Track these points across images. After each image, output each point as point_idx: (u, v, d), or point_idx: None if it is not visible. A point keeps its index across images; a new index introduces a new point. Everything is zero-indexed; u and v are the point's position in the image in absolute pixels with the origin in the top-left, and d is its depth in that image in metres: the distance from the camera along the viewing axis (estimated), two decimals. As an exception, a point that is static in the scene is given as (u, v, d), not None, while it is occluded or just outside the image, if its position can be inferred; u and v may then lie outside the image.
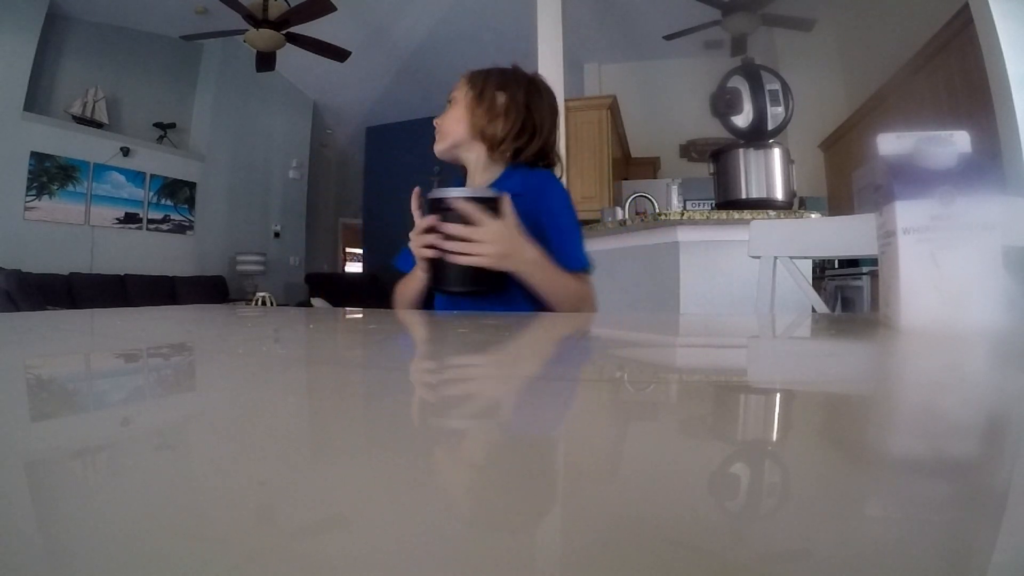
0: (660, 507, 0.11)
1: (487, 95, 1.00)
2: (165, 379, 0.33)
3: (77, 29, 5.58)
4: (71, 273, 5.24)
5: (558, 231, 0.96)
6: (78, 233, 5.57)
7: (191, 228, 6.53)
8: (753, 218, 1.54)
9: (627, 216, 2.96)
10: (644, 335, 0.59)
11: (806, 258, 1.39)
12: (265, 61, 5.04)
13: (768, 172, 2.34)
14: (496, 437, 0.18)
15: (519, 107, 1.00)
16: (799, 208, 2.53)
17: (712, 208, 2.44)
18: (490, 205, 0.82)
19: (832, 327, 0.66)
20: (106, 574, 0.08)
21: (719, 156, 2.44)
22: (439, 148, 1.05)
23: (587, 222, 3.56)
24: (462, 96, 1.02)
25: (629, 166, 5.70)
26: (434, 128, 1.05)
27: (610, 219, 2.88)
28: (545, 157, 1.04)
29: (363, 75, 6.69)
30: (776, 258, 1.05)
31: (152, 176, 6.16)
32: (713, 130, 3.03)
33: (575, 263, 0.94)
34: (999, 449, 0.17)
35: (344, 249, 9.22)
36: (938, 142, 0.45)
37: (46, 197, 5.32)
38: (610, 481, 0.14)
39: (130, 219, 6.01)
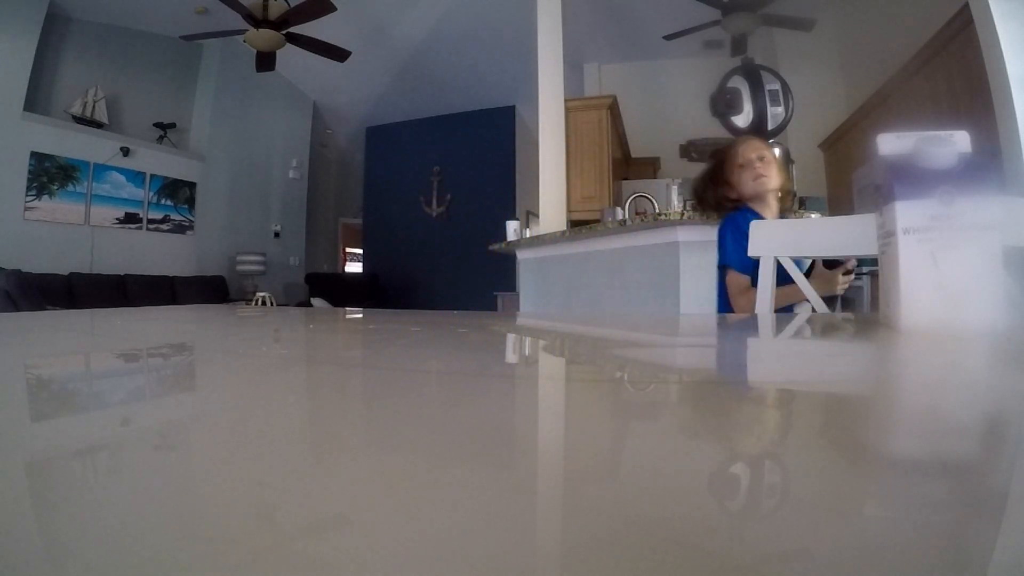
0: (660, 507, 0.11)
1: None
2: (165, 379, 0.33)
3: (77, 29, 5.57)
4: (71, 273, 5.23)
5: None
6: (78, 233, 5.57)
7: (191, 228, 6.52)
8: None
9: (627, 216, 2.96)
10: (644, 335, 0.59)
11: (806, 258, 1.39)
12: (265, 61, 5.04)
13: (768, 172, 2.33)
14: (496, 437, 0.18)
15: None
16: (799, 208, 2.53)
17: (712, 208, 2.43)
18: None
19: (832, 327, 0.66)
20: (106, 574, 0.08)
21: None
22: (772, 185, 1.45)
23: (587, 222, 3.57)
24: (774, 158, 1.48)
25: (629, 166, 5.69)
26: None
27: (610, 219, 2.88)
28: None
29: (363, 75, 6.68)
30: (776, 258, 1.05)
31: (152, 176, 6.15)
32: (713, 130, 3.03)
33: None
34: (999, 450, 0.17)
35: (344, 249, 9.22)
36: (938, 142, 0.45)
37: (46, 197, 5.32)
38: (610, 481, 0.14)
39: (130, 219, 6.01)
